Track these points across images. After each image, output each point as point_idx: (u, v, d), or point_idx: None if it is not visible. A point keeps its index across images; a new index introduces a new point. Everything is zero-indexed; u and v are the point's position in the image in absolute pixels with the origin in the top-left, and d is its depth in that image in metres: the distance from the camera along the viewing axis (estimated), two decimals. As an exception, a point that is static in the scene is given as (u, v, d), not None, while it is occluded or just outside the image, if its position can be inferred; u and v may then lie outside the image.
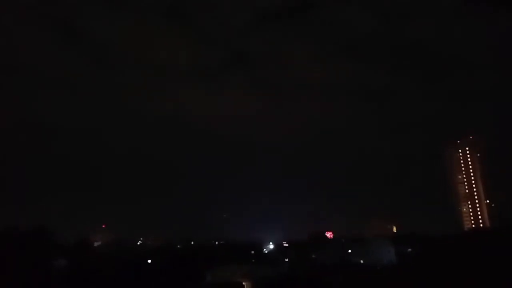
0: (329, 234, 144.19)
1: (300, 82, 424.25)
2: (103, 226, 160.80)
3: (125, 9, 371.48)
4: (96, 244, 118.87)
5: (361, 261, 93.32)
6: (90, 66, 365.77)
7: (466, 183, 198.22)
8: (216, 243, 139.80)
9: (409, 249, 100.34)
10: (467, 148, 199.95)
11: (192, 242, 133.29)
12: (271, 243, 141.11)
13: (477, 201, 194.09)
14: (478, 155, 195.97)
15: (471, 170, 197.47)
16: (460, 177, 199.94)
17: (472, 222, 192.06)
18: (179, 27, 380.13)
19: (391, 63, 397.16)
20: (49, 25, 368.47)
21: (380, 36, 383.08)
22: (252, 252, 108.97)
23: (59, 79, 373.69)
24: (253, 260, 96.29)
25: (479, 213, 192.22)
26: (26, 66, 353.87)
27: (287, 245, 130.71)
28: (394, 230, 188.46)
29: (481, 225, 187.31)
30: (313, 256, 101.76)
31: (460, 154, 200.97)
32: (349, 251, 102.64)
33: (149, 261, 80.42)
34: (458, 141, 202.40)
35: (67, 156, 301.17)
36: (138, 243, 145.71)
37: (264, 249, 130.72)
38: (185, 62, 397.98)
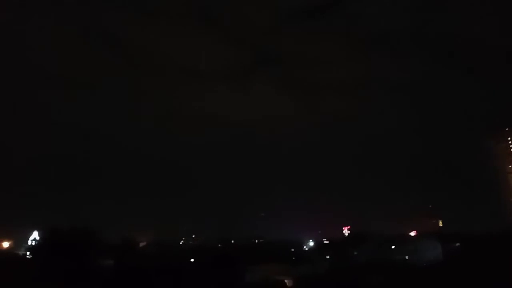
0: (413, 233, 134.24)
1: (328, 79, 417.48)
2: (147, 227, 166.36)
3: (152, 12, 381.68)
4: (141, 244, 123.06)
5: (406, 257, 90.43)
6: (117, 68, 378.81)
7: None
8: (256, 241, 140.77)
9: (457, 244, 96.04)
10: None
11: (233, 241, 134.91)
12: (311, 240, 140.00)
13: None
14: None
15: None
16: (510, 166, 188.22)
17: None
18: (205, 28, 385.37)
19: (422, 56, 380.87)
20: (81, 30, 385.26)
21: (409, 29, 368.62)
22: (292, 250, 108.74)
23: (86, 81, 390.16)
24: (293, 258, 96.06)
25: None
26: (56, 70, 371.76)
27: (327, 242, 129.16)
28: (440, 224, 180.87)
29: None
30: (355, 253, 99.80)
31: (510, 142, 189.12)
32: (393, 247, 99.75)
33: (192, 260, 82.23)
34: (507, 129, 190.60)
35: (101, 158, 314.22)
36: (181, 243, 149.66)
37: (304, 247, 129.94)
38: (212, 63, 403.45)
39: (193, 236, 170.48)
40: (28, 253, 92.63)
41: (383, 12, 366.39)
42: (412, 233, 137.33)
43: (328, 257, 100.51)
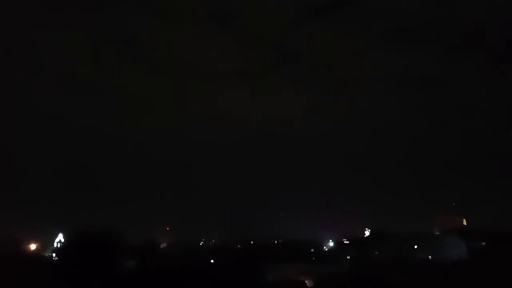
0: (437, 232, 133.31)
1: (348, 77, 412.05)
2: (167, 228, 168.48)
3: (168, 14, 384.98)
4: (162, 245, 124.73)
5: (429, 257, 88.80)
6: (127, 69, 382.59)
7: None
8: (275, 242, 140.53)
9: (483, 243, 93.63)
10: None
11: (252, 242, 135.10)
12: (331, 240, 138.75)
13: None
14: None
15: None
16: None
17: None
18: (221, 28, 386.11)
19: (443, 49, 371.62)
20: (87, 30, 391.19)
21: (431, 22, 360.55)
22: (312, 250, 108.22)
23: (91, 81, 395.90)
24: (313, 258, 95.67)
25: None
26: (58, 70, 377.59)
27: (347, 242, 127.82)
28: (464, 223, 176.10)
29: None
30: (376, 253, 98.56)
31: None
32: (415, 247, 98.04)
33: (212, 261, 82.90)
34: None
35: (122, 162, 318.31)
36: (200, 244, 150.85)
37: (324, 247, 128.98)
38: (229, 63, 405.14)
39: (213, 237, 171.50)
40: (54, 254, 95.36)
41: (398, 7, 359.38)
42: (436, 232, 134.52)
43: (348, 257, 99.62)
